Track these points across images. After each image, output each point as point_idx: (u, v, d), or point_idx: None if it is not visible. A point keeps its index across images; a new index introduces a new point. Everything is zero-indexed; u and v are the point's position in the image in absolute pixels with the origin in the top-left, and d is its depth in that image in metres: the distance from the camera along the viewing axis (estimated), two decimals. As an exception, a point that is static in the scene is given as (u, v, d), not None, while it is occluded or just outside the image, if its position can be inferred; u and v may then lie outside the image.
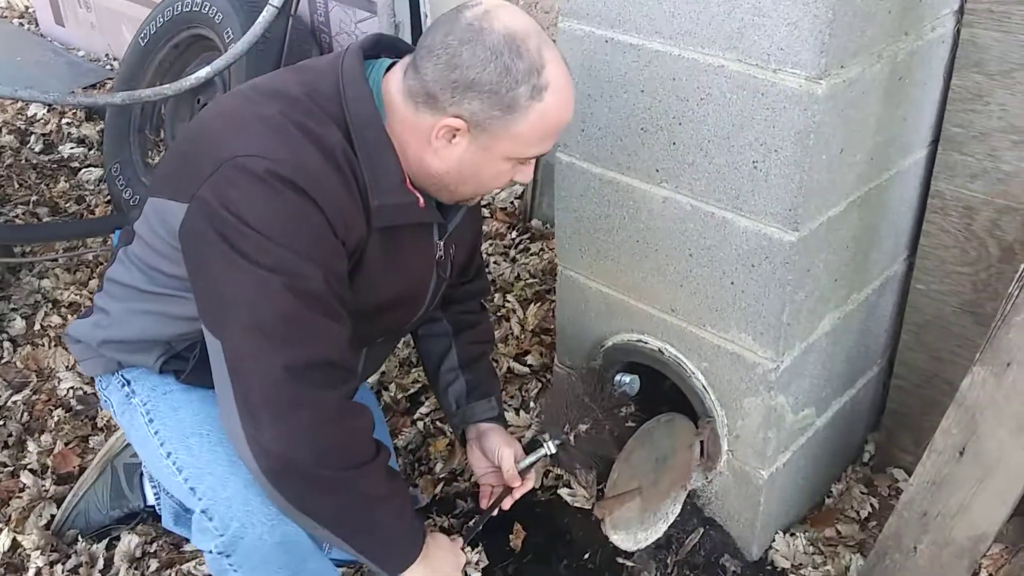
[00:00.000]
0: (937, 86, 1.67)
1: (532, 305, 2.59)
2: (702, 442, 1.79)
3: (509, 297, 2.66)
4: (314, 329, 1.31)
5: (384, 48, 1.44)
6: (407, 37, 2.92)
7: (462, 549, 1.64)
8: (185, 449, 1.48)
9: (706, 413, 1.77)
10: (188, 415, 1.51)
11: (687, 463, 1.79)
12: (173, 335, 1.51)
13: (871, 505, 2.03)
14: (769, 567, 1.88)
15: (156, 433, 1.52)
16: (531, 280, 2.74)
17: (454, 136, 1.33)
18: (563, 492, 2.04)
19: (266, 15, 2.50)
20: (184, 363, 1.53)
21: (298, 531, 1.44)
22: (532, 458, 1.69)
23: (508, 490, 1.70)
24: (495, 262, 2.83)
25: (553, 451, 1.68)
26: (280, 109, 1.31)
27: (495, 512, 1.72)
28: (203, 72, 2.45)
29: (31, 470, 2.16)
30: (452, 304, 1.82)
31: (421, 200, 1.42)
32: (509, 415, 2.26)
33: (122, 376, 1.58)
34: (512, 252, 2.87)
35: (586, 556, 1.92)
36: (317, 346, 1.31)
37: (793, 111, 1.38)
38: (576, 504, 2.01)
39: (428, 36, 1.31)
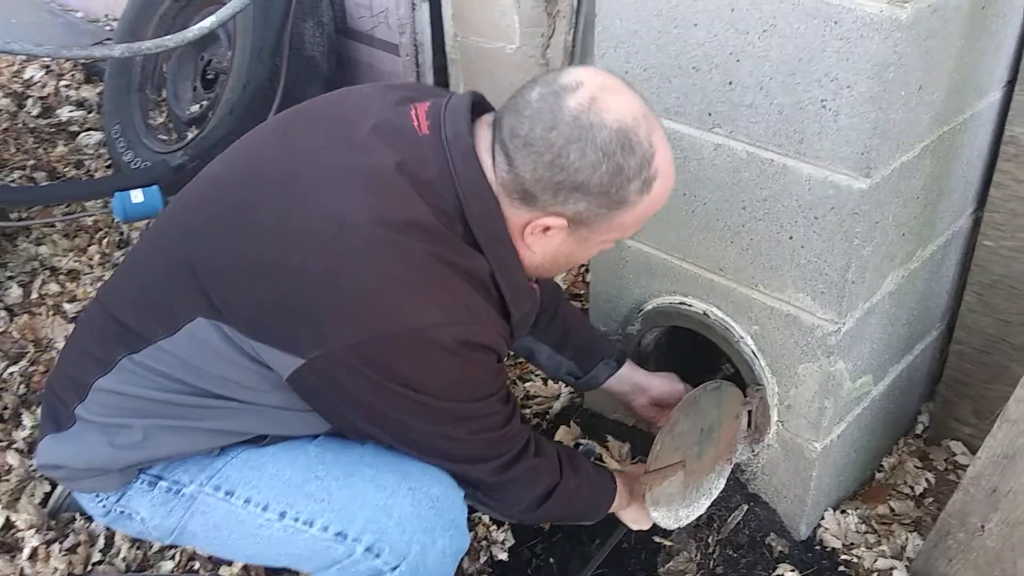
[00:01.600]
0: (1017, 18, 1.51)
1: (558, 270, 2.45)
2: (750, 412, 1.66)
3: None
4: (503, 442, 1.31)
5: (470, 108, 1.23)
6: None
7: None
8: (306, 498, 1.29)
9: (755, 381, 1.63)
10: (284, 466, 1.31)
11: (734, 435, 1.65)
12: (233, 441, 1.32)
13: (926, 480, 1.90)
14: (818, 547, 1.74)
15: (248, 502, 1.30)
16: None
17: (549, 229, 1.19)
18: (595, 466, 1.91)
19: (271, -39, 2.34)
20: (260, 438, 1.34)
21: (465, 534, 1.39)
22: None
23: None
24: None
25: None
26: (427, 250, 1.12)
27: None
28: (207, 22, 2.28)
29: (17, 449, 2.03)
30: None
31: (537, 291, 1.35)
32: (537, 384, 2.13)
33: (147, 476, 1.32)
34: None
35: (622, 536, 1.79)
36: (509, 450, 1.31)
37: (872, 40, 1.22)
38: (609, 479, 1.88)
39: (523, 123, 1.11)
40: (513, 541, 1.78)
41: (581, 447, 1.93)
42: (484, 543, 1.78)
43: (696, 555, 1.73)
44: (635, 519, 1.61)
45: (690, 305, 1.67)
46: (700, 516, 1.70)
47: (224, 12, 2.26)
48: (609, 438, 1.93)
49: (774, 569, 1.68)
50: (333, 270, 1.11)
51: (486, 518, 1.82)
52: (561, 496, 1.39)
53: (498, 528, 1.80)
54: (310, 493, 1.30)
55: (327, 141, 1.20)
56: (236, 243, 1.16)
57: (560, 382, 2.08)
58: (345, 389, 1.16)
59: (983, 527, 1.58)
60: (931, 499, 1.86)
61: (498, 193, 1.16)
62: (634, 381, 1.68)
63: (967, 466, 1.91)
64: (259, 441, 1.32)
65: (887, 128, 1.29)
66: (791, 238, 1.45)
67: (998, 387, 1.84)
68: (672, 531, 1.74)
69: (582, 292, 2.37)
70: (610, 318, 1.85)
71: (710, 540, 1.75)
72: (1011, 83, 1.59)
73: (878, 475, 1.93)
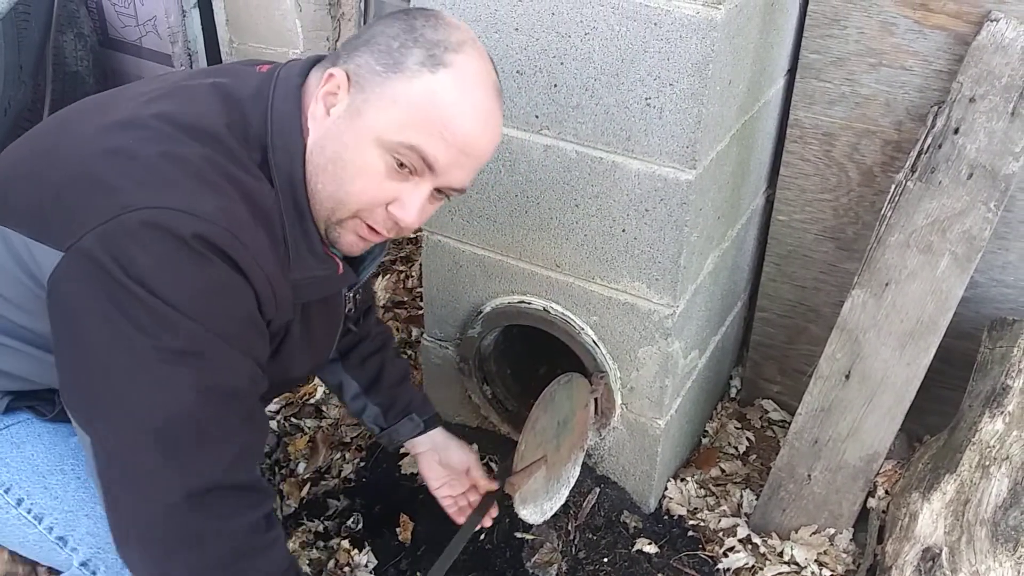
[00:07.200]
0: (795, 11, 1.67)
1: (379, 279, 2.40)
2: (596, 399, 1.72)
3: (346, 273, 2.45)
4: (226, 440, 1.06)
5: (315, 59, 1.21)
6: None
7: None
8: (43, 491, 1.20)
9: (598, 368, 1.69)
10: (40, 451, 1.22)
11: (584, 423, 1.71)
12: (18, 387, 1.21)
13: (747, 439, 2.06)
14: (667, 516, 1.84)
15: None
16: (368, 252, 2.54)
17: (329, 94, 1.12)
18: (446, 473, 1.90)
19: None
20: (48, 405, 1.23)
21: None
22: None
23: (491, 497, 1.58)
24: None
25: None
26: (202, 152, 1.05)
27: (477, 527, 1.57)
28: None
29: None
30: None
31: (340, 266, 1.22)
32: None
33: None
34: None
35: (482, 537, 1.80)
36: (227, 463, 1.06)
37: (691, 40, 1.30)
38: (462, 484, 1.88)
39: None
40: (376, 561, 1.74)
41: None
42: (347, 568, 1.73)
43: (558, 544, 1.77)
44: None
45: (530, 303, 1.70)
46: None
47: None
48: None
49: (633, 545, 1.76)
50: (103, 154, 1.06)
51: (345, 542, 1.76)
52: None
53: (359, 551, 1.75)
54: (49, 486, 1.20)
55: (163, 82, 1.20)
56: (38, 143, 1.15)
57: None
58: (83, 296, 1.02)
59: (810, 476, 1.74)
60: (754, 456, 2.02)
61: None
62: (433, 440, 1.65)
63: (780, 421, 2.10)
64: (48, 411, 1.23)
65: (707, 121, 1.38)
66: (624, 231, 1.52)
67: (799, 346, 2.03)
68: (533, 525, 1.77)
69: (404, 300, 2.35)
70: (447, 323, 1.85)
71: (569, 527, 1.80)
72: (792, 71, 1.75)
73: (704, 440, 2.07)
